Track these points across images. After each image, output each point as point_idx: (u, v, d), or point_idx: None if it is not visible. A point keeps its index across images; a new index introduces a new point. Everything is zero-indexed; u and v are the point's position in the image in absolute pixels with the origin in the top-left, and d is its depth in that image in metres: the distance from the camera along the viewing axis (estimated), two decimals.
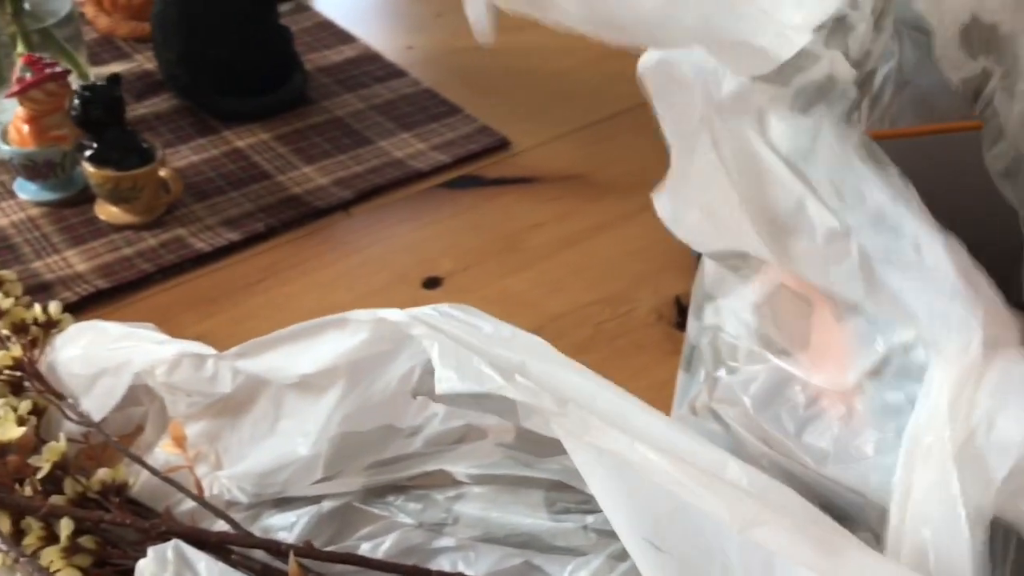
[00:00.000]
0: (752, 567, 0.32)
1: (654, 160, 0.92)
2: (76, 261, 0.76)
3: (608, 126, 0.97)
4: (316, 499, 0.52)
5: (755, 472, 0.33)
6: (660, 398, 0.68)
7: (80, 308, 0.72)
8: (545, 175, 0.90)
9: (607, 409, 0.37)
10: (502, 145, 0.92)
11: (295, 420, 0.50)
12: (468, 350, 0.40)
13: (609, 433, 0.35)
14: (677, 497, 0.32)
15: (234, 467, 0.55)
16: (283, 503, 0.53)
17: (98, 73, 0.98)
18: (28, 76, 0.77)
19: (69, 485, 0.54)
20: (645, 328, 0.73)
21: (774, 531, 0.30)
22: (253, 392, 0.52)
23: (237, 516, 0.54)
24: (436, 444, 0.51)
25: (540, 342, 0.42)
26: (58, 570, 0.51)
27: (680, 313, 0.75)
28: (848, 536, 0.31)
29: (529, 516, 0.45)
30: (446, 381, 0.39)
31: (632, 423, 0.36)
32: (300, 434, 0.49)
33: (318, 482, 0.51)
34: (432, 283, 0.77)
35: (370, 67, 1.03)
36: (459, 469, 0.47)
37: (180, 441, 0.55)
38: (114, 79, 0.77)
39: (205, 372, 0.53)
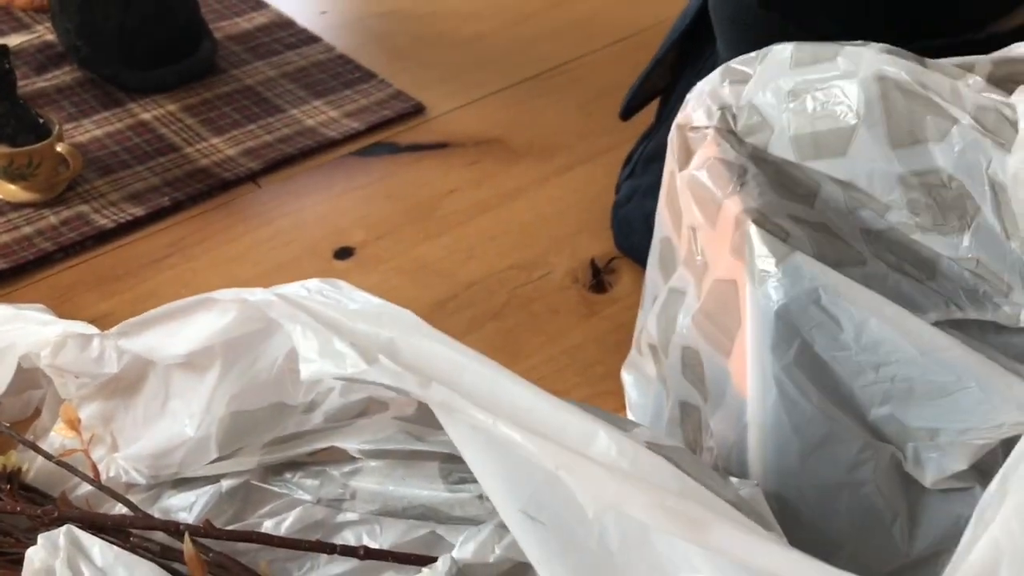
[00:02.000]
0: (628, 535, 0.32)
1: (569, 123, 0.92)
2: None
3: (523, 89, 0.96)
4: (215, 479, 0.51)
5: (625, 441, 0.33)
6: (576, 361, 0.69)
7: None
8: (460, 140, 0.88)
9: (476, 384, 0.36)
10: (416, 111, 0.91)
11: (183, 400, 0.49)
12: (331, 330, 0.39)
13: (473, 411, 0.34)
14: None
15: (129, 448, 0.53)
16: (182, 483, 0.52)
17: None
18: None
19: None
20: (560, 291, 0.73)
21: (631, 512, 0.30)
22: (141, 372, 0.51)
23: (136, 498, 0.52)
24: (336, 419, 0.50)
25: (410, 316, 0.41)
26: None
27: (595, 275, 0.74)
28: (713, 510, 0.31)
29: (426, 488, 0.44)
30: (308, 365, 0.38)
31: (500, 398, 0.35)
32: (187, 415, 0.48)
33: (213, 462, 0.50)
34: (343, 253, 0.75)
35: (282, 34, 1.01)
36: (352, 445, 0.46)
37: (74, 424, 0.53)
38: (2, 52, 0.74)
39: (91, 352, 0.51)
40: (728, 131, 0.47)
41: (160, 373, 0.50)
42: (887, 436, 0.41)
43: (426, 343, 0.38)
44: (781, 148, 0.46)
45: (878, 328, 0.39)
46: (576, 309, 0.72)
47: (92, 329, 0.52)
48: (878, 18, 0.58)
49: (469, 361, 0.37)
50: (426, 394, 0.36)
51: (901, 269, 0.43)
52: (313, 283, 0.44)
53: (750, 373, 0.41)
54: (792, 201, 0.45)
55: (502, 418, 0.33)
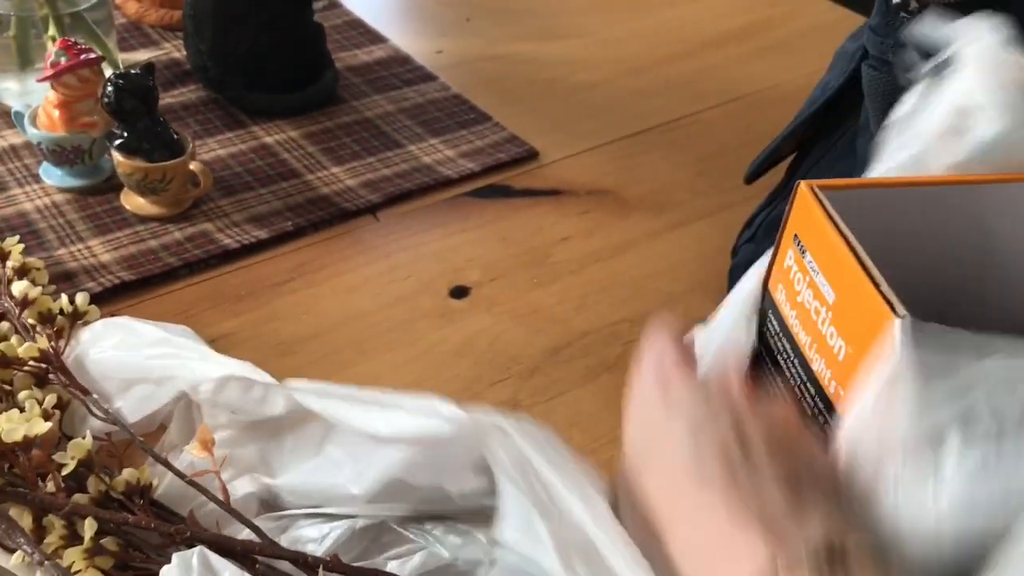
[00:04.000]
0: None
1: (681, 179, 0.92)
2: (100, 251, 0.75)
3: (636, 142, 0.96)
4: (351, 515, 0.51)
5: None
6: None
7: (103, 299, 0.71)
8: (572, 188, 0.89)
9: None
10: (530, 156, 0.92)
11: (345, 450, 0.49)
12: (533, 509, 0.39)
13: None
14: None
15: (274, 477, 0.54)
16: (315, 515, 0.52)
17: (126, 60, 0.97)
18: (63, 60, 0.76)
19: (93, 484, 0.53)
20: None
21: None
22: (303, 417, 0.51)
23: (267, 524, 0.53)
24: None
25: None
26: (79, 571, 0.50)
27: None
28: None
29: None
30: (505, 530, 0.38)
31: None
32: (352, 472, 0.48)
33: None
34: (459, 292, 0.76)
35: (399, 69, 1.03)
36: None
37: (207, 445, 0.54)
38: (148, 68, 0.76)
39: (254, 394, 0.52)
40: None
41: (324, 422, 0.50)
42: None
43: None
44: None
45: None
46: None
47: (259, 374, 0.53)
48: None
49: None
50: None
51: None
52: (519, 424, 0.45)
53: None
54: None
55: None
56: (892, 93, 0.60)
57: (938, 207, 0.49)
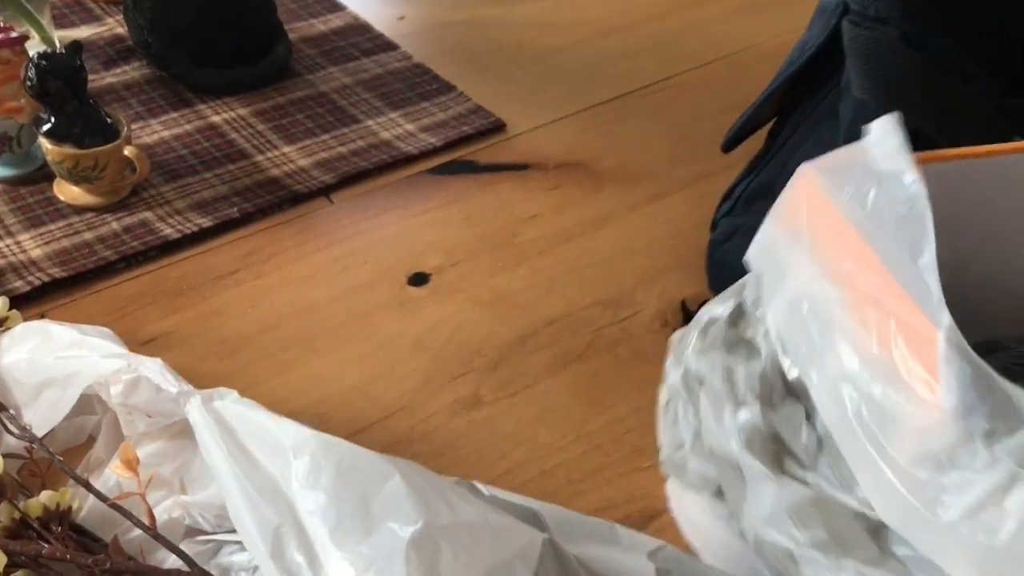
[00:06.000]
0: None
1: (658, 148, 0.87)
2: (30, 246, 0.70)
3: (608, 109, 0.91)
4: None
5: None
6: None
7: (32, 299, 0.66)
8: (542, 161, 0.83)
9: None
10: (497, 128, 0.86)
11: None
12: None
13: None
14: None
15: (196, 492, 0.49)
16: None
17: (65, 37, 0.91)
18: None
19: (5, 511, 0.48)
20: (649, 335, 0.68)
21: None
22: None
23: (194, 549, 0.48)
24: None
25: None
26: None
27: (686, 319, 0.69)
28: None
29: None
30: None
31: None
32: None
33: None
34: (418, 279, 0.71)
35: (358, 39, 0.97)
36: None
37: (131, 464, 0.49)
38: (74, 47, 0.70)
39: (167, 394, 0.47)
40: None
41: None
42: None
43: None
44: None
45: None
46: (665, 355, 0.67)
47: (167, 377, 0.48)
48: (1019, 58, 0.53)
49: None
50: None
51: None
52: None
53: None
54: None
55: None
56: (875, 50, 0.55)
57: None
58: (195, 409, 0.46)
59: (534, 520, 0.45)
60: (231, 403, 0.46)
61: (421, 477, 0.42)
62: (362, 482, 0.41)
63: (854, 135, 0.57)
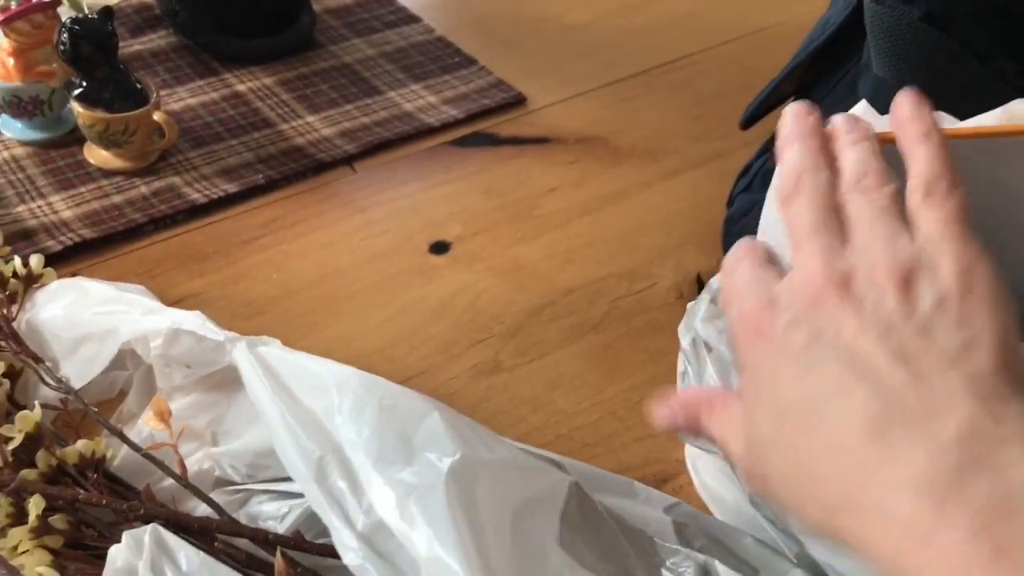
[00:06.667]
0: None
1: (677, 125, 0.88)
2: (62, 207, 0.72)
3: (629, 86, 0.92)
4: None
5: None
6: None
7: (64, 258, 0.68)
8: (561, 135, 0.85)
9: None
10: (518, 101, 0.87)
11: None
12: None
13: None
14: None
15: (229, 444, 0.51)
16: (275, 493, 0.49)
17: (92, 4, 0.92)
18: (13, 5, 0.71)
19: (43, 458, 0.50)
20: (664, 307, 0.69)
21: None
22: None
23: (224, 499, 0.50)
24: None
25: None
26: (26, 551, 0.47)
27: (701, 292, 0.70)
28: None
29: None
30: None
31: None
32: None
33: None
34: (439, 248, 0.72)
35: (381, 11, 0.98)
36: None
37: (164, 416, 0.51)
38: (106, 12, 0.72)
39: (207, 344, 0.49)
40: None
41: None
42: None
43: None
44: None
45: None
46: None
47: (207, 325, 0.50)
48: None
49: None
50: None
51: None
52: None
53: None
54: None
55: None
56: (896, 29, 0.55)
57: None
58: (241, 353, 0.48)
59: (559, 467, 0.47)
60: (275, 348, 0.48)
61: (458, 418, 0.44)
62: (403, 418, 0.43)
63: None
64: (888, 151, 0.40)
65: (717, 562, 0.44)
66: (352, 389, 0.44)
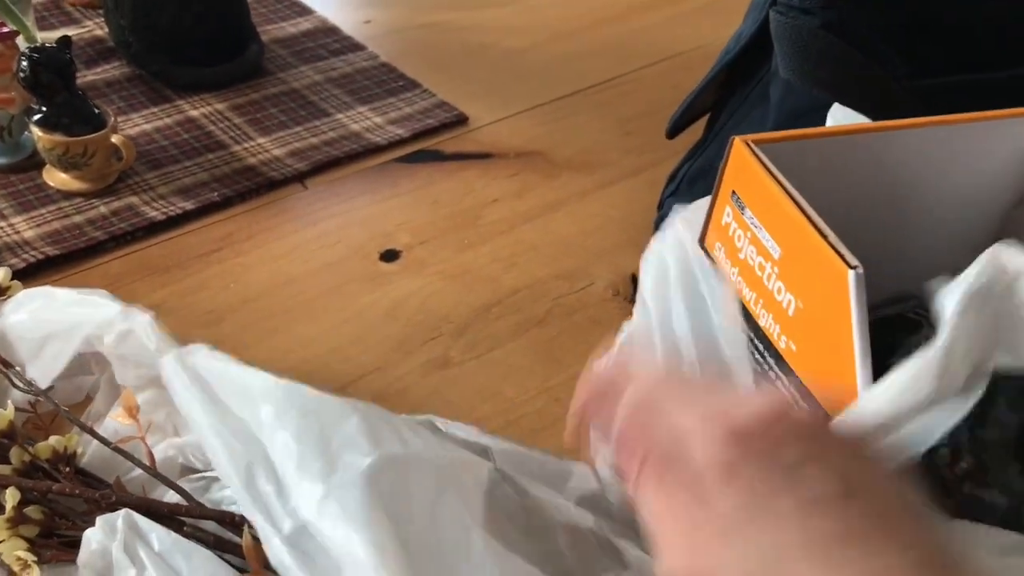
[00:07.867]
0: None
1: (610, 140, 0.93)
2: (24, 227, 0.74)
3: (565, 104, 0.97)
4: None
5: None
6: None
7: (28, 275, 0.70)
8: (502, 151, 0.89)
9: None
10: (460, 120, 0.92)
11: None
12: None
13: None
14: None
15: (189, 435, 0.54)
16: None
17: (47, 39, 0.95)
18: None
19: (16, 454, 0.53)
20: (602, 303, 0.74)
21: None
22: None
23: (189, 486, 0.53)
24: None
25: None
26: (3, 540, 0.50)
27: (636, 289, 0.75)
28: None
29: None
30: None
31: None
32: None
33: None
34: (389, 256, 0.76)
35: (327, 40, 1.02)
36: None
37: (132, 411, 0.54)
38: (64, 42, 0.75)
39: (151, 345, 0.52)
40: None
41: None
42: None
43: None
44: None
45: None
46: (617, 320, 0.72)
47: (149, 328, 0.53)
48: (938, 47, 0.59)
49: None
50: None
51: None
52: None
53: None
54: None
55: None
56: (798, 36, 0.61)
57: (848, 155, 0.50)
58: (169, 364, 0.50)
59: (483, 453, 0.50)
60: (203, 357, 0.50)
61: (379, 417, 0.47)
62: (323, 422, 0.45)
63: (782, 112, 0.64)
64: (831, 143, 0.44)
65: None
66: (275, 397, 0.47)
